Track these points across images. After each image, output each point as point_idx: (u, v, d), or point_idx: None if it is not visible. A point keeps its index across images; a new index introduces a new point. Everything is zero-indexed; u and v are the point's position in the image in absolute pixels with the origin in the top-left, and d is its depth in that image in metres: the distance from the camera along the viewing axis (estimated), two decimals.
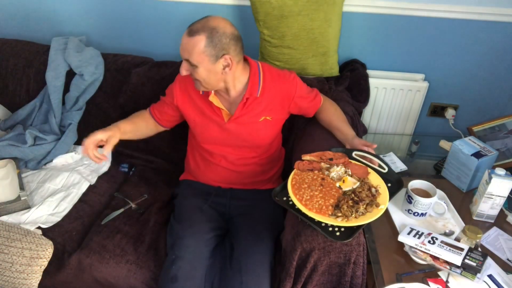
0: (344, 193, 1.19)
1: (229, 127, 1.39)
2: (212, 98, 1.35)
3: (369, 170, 1.29)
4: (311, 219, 1.13)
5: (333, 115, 1.46)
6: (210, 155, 1.48)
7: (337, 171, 1.25)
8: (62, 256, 1.35)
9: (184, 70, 1.26)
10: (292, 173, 1.27)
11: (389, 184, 1.26)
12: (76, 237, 1.41)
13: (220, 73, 1.26)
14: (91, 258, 1.33)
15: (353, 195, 1.17)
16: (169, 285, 1.21)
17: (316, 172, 1.27)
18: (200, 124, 1.43)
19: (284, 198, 1.24)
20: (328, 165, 1.28)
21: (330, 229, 1.12)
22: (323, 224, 1.13)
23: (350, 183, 1.23)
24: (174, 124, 1.54)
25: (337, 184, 1.22)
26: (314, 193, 1.18)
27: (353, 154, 1.35)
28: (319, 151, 1.34)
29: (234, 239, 1.33)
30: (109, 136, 1.33)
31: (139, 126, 1.49)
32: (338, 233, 1.11)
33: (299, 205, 1.15)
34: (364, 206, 1.14)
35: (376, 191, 1.20)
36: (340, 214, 1.11)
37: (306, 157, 1.32)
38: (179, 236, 1.31)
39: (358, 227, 1.11)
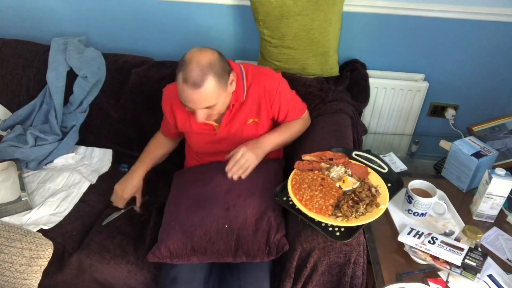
0: (344, 193, 1.19)
1: (220, 136, 1.40)
2: None
3: (369, 170, 1.29)
4: (311, 219, 1.13)
5: (289, 124, 1.45)
6: (205, 160, 1.49)
7: (337, 171, 1.25)
8: (62, 256, 1.35)
9: (202, 118, 1.26)
10: (292, 173, 1.27)
11: (389, 184, 1.26)
12: (77, 237, 1.41)
13: (230, 92, 1.29)
14: (91, 258, 1.33)
15: (353, 195, 1.17)
16: (168, 287, 1.21)
17: (316, 172, 1.27)
18: (191, 137, 1.46)
19: (284, 198, 1.24)
20: (328, 165, 1.28)
21: (330, 229, 1.13)
22: (323, 224, 1.13)
23: (350, 183, 1.23)
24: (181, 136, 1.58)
25: (337, 184, 1.22)
26: (314, 193, 1.19)
27: (353, 154, 1.35)
28: (319, 151, 1.35)
29: None
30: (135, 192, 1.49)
31: (157, 154, 1.55)
32: (338, 233, 1.11)
33: (299, 205, 1.15)
34: (364, 206, 1.14)
35: (376, 191, 1.20)
36: (340, 214, 1.12)
37: (306, 157, 1.32)
38: None
39: (358, 227, 1.11)
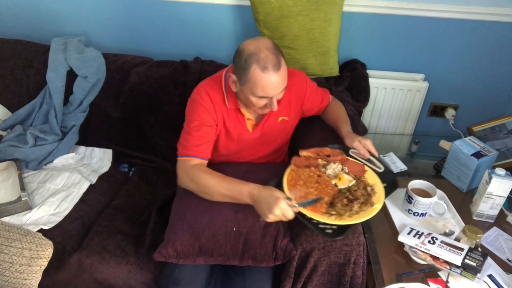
0: (340, 191, 1.19)
1: (253, 136, 1.38)
2: (244, 111, 1.33)
3: (366, 168, 1.28)
4: (302, 215, 1.10)
5: (338, 114, 1.46)
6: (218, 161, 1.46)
7: (333, 168, 1.24)
8: (62, 256, 1.35)
9: (276, 106, 1.23)
10: (289, 168, 1.25)
11: (385, 184, 1.25)
12: (76, 237, 1.41)
13: None
14: (91, 258, 1.33)
15: (348, 194, 1.16)
16: (170, 287, 1.21)
17: (312, 168, 1.25)
18: (220, 138, 1.37)
19: None
20: (325, 162, 1.27)
21: (321, 226, 1.11)
22: (314, 221, 1.11)
23: (346, 181, 1.22)
24: None
25: (333, 182, 1.21)
26: (309, 190, 1.17)
27: (350, 151, 1.34)
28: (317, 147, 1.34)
29: None
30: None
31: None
32: (329, 231, 1.10)
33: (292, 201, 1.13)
34: (359, 205, 1.13)
35: (372, 190, 1.19)
36: (334, 212, 1.10)
37: (304, 153, 1.31)
38: None
39: (350, 226, 1.10)
